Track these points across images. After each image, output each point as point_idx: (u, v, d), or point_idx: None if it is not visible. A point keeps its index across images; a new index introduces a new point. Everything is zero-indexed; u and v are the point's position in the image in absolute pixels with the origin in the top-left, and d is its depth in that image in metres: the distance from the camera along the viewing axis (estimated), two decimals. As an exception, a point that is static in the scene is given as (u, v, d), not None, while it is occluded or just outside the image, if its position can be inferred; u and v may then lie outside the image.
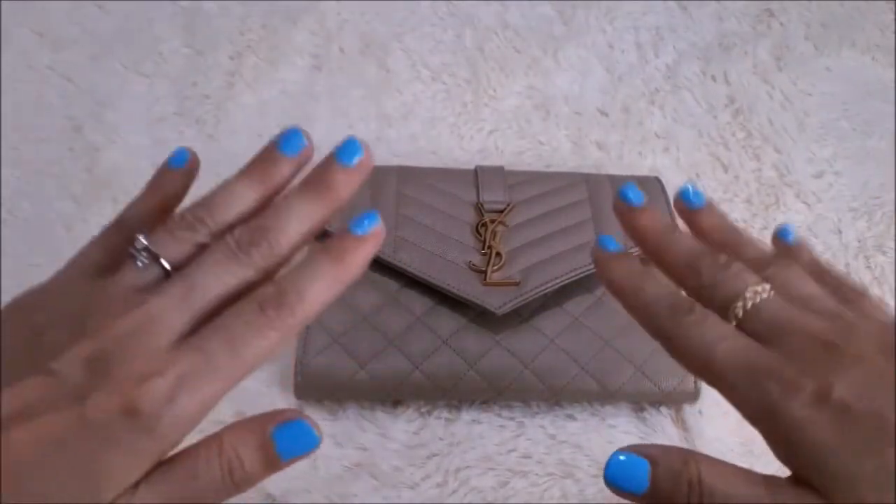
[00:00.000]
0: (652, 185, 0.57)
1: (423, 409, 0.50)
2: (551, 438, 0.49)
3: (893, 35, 0.74)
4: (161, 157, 0.64)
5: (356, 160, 0.27)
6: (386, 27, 0.72)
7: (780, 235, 0.33)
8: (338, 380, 0.48)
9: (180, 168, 0.32)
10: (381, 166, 0.58)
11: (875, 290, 0.57)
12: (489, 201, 0.54)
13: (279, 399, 0.49)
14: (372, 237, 0.26)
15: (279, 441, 0.24)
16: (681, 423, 0.50)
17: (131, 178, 0.61)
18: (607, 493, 0.47)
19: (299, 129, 0.28)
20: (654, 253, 0.31)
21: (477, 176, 0.56)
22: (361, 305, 0.50)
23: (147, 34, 0.70)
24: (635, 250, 0.34)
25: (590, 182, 0.57)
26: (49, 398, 0.22)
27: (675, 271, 0.30)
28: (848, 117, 0.68)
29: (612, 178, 0.58)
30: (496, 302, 0.49)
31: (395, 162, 0.61)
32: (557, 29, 0.74)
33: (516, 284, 0.50)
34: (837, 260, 0.58)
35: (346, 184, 0.27)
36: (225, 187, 0.28)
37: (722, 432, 0.49)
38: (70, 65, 0.68)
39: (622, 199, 0.32)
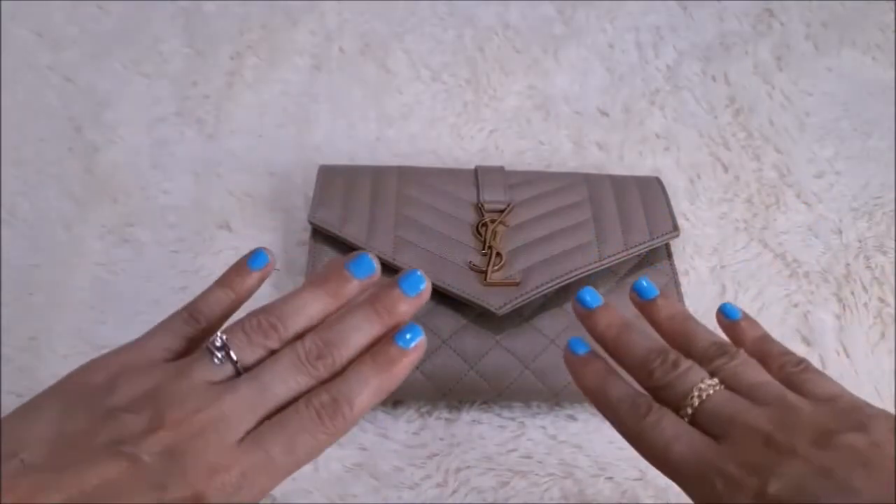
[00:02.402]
0: (652, 185, 0.57)
1: (423, 410, 0.50)
2: (552, 439, 0.49)
3: (893, 35, 0.74)
4: (161, 157, 0.64)
5: (418, 291, 0.31)
6: (386, 27, 0.72)
7: (724, 314, 0.36)
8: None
9: (258, 270, 0.33)
10: (381, 166, 0.58)
11: (875, 290, 0.57)
12: (489, 201, 0.54)
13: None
14: (415, 350, 0.29)
15: None
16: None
17: (131, 178, 0.61)
18: (607, 493, 0.47)
19: (369, 256, 0.31)
20: (613, 353, 0.34)
21: (477, 176, 0.56)
22: (361, 305, 0.50)
23: (147, 34, 0.70)
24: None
25: (590, 182, 0.57)
26: (129, 482, 0.24)
27: (633, 371, 0.32)
28: (848, 117, 0.68)
29: (613, 179, 0.58)
30: (496, 302, 0.49)
31: (396, 162, 0.61)
32: (558, 29, 0.74)
33: (516, 284, 0.50)
34: (838, 260, 0.58)
35: (407, 310, 0.30)
36: (296, 296, 0.30)
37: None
38: (70, 65, 0.68)
39: (579, 303, 0.36)
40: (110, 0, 0.72)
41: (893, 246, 0.59)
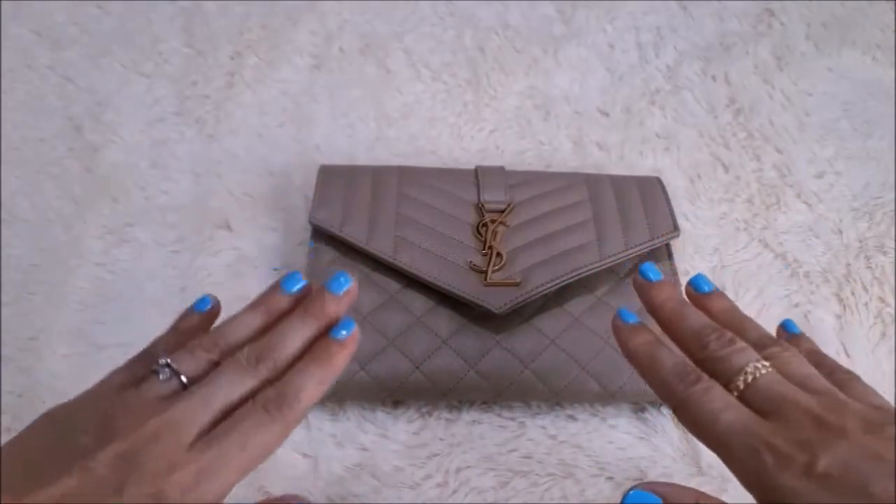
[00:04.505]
0: (652, 185, 0.57)
1: (423, 410, 0.50)
2: (552, 439, 0.49)
3: (893, 35, 0.74)
4: (160, 157, 0.64)
5: (344, 290, 0.33)
6: (386, 27, 0.72)
7: (784, 327, 0.37)
8: (338, 380, 0.47)
9: (202, 312, 0.35)
10: (381, 166, 0.58)
11: (875, 290, 0.57)
12: (490, 201, 0.54)
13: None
14: (350, 341, 0.32)
15: None
16: (681, 424, 0.50)
17: (131, 177, 0.61)
18: (607, 493, 0.47)
19: (299, 273, 0.34)
20: (667, 324, 0.34)
21: (477, 176, 0.56)
22: (361, 305, 0.50)
23: (147, 34, 0.70)
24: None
25: (590, 182, 0.57)
26: (86, 490, 0.25)
27: (685, 343, 0.33)
28: (848, 117, 0.68)
29: (613, 178, 0.58)
30: (497, 302, 0.49)
31: (396, 162, 0.61)
32: (558, 29, 0.74)
33: (517, 284, 0.50)
34: (838, 260, 0.58)
35: (336, 310, 0.33)
36: (234, 318, 0.33)
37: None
38: (69, 65, 0.68)
39: (642, 275, 0.36)
40: (110, 0, 0.72)
41: (894, 246, 0.59)
